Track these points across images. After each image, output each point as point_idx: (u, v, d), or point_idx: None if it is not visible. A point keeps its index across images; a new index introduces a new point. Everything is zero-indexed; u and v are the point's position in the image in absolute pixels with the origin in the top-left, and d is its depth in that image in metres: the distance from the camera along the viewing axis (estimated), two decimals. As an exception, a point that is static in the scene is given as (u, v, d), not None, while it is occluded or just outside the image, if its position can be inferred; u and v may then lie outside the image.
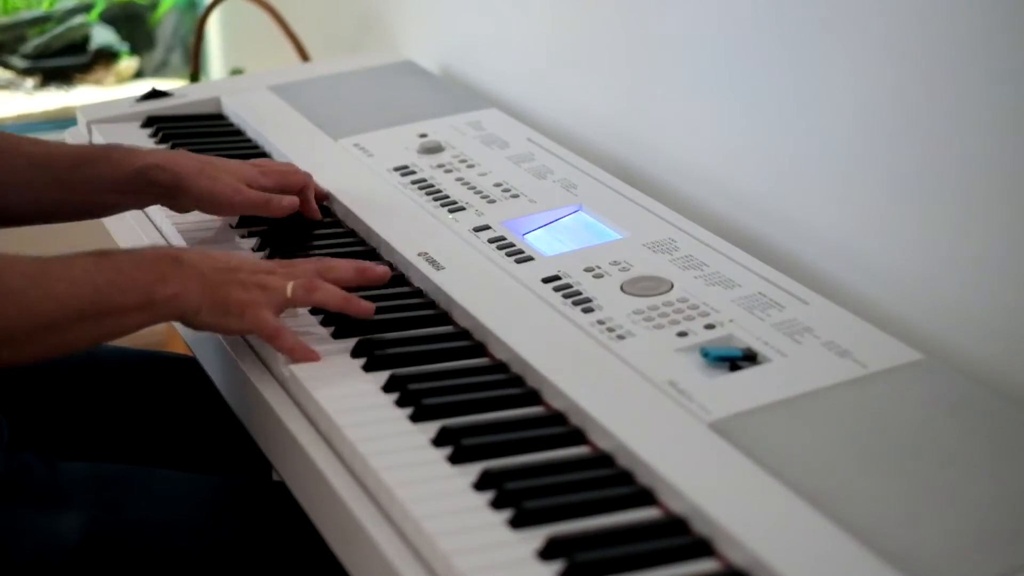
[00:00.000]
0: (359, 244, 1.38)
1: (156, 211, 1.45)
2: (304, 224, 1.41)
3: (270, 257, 1.33)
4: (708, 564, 0.92)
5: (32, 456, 1.17)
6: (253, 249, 1.36)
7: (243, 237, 1.39)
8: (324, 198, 1.46)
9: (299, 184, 1.41)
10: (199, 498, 1.21)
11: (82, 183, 1.33)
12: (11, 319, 1.05)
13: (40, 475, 1.16)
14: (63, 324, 1.08)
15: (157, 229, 1.45)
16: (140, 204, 1.40)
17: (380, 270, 1.25)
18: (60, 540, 1.12)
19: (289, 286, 1.16)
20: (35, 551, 1.11)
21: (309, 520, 1.09)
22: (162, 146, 1.65)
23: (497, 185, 1.46)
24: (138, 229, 1.46)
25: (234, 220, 1.42)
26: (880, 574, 0.88)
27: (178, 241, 1.39)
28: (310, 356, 1.14)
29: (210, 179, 1.34)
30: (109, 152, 1.35)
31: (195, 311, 1.13)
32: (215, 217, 1.41)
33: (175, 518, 1.18)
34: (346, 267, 1.22)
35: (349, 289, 1.20)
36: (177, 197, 1.35)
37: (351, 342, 1.17)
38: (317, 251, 1.35)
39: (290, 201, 1.37)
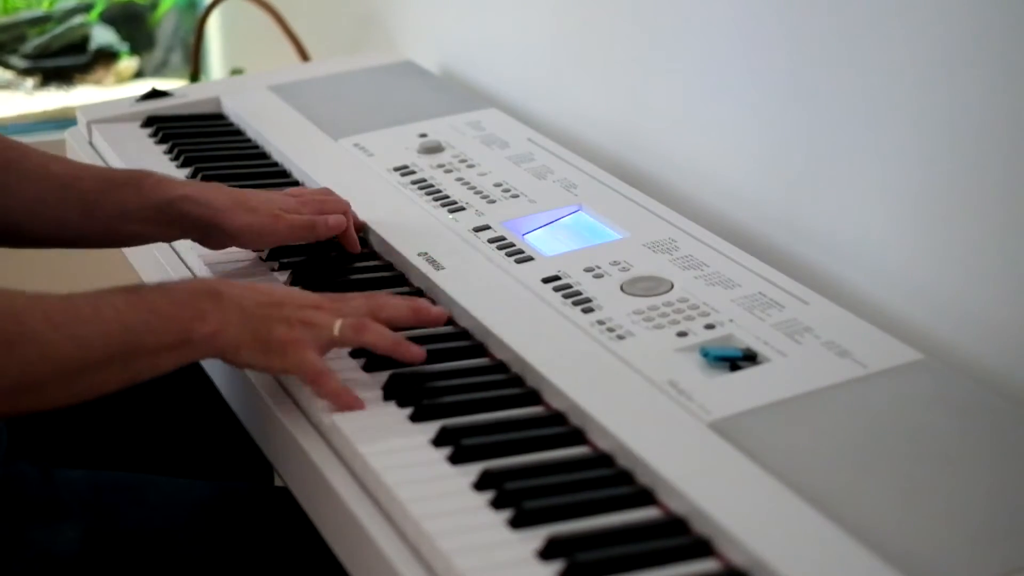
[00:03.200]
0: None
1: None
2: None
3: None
4: (708, 564, 0.92)
5: (28, 465, 1.16)
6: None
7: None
8: (361, 229, 1.37)
9: (338, 212, 1.32)
10: (199, 505, 1.20)
11: (108, 208, 1.27)
12: (32, 364, 0.99)
13: (37, 484, 1.15)
14: (90, 369, 1.02)
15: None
16: (168, 237, 1.32)
17: (436, 311, 1.18)
18: (59, 550, 1.11)
19: (337, 324, 1.10)
20: (34, 562, 1.10)
21: (311, 526, 1.08)
22: (163, 146, 1.65)
23: (497, 185, 1.46)
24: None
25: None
26: (880, 574, 0.88)
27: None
28: (354, 404, 1.08)
29: (249, 211, 1.26)
30: (140, 179, 1.28)
31: (235, 349, 1.07)
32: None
33: (175, 526, 1.17)
34: (400, 306, 1.15)
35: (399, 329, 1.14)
36: (210, 232, 1.28)
37: (351, 342, 1.17)
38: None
39: (336, 220, 1.30)
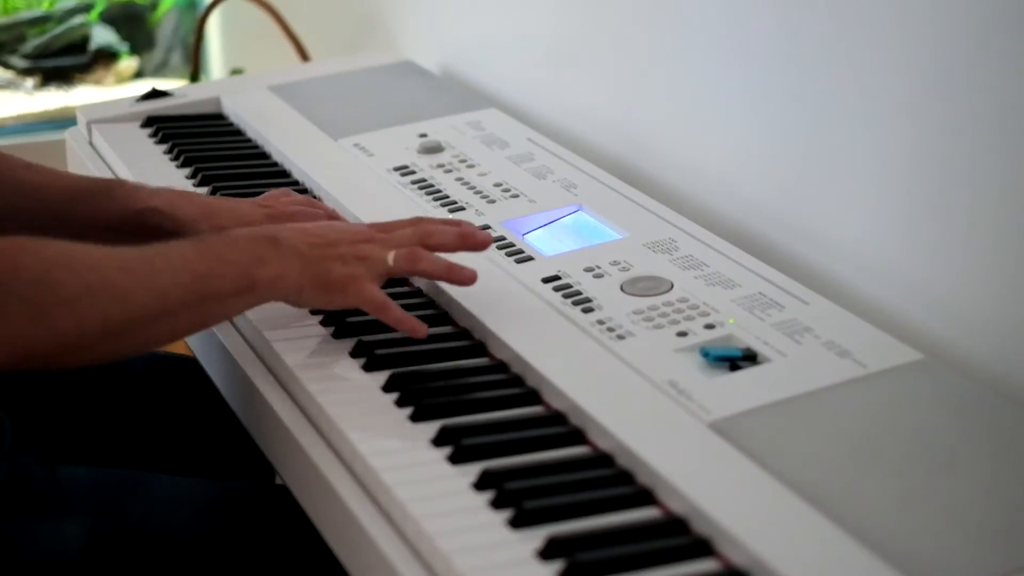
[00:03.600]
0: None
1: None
2: None
3: None
4: (708, 564, 0.92)
5: (32, 461, 1.16)
6: None
7: None
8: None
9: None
10: (201, 503, 1.21)
11: (79, 218, 1.29)
12: (112, 313, 1.03)
13: (41, 481, 1.15)
14: (165, 315, 1.07)
15: None
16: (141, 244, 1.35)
17: (482, 236, 1.22)
18: (62, 547, 1.11)
19: (391, 256, 1.15)
20: (37, 559, 1.10)
21: (311, 524, 1.08)
22: (163, 146, 1.65)
23: (497, 185, 1.46)
24: None
25: None
26: (880, 574, 0.88)
27: None
28: (418, 328, 1.14)
29: (214, 228, 1.27)
30: (111, 189, 1.31)
31: (297, 291, 1.12)
32: None
33: (177, 523, 1.17)
34: (448, 232, 1.20)
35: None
36: None
37: (350, 342, 1.17)
38: None
39: None
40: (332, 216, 1.34)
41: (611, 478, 1.00)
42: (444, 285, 1.24)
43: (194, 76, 2.50)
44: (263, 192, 1.47)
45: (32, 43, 2.85)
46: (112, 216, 1.29)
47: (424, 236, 1.18)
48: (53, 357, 1.04)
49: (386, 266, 1.15)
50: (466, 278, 1.18)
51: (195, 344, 1.31)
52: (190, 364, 1.42)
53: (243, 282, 1.10)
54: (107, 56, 2.88)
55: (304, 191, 1.52)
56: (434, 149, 1.56)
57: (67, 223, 1.29)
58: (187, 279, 1.07)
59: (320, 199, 1.47)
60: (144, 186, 1.33)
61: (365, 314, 1.19)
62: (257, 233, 1.13)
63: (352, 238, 1.15)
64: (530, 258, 1.30)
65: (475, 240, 1.21)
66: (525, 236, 1.35)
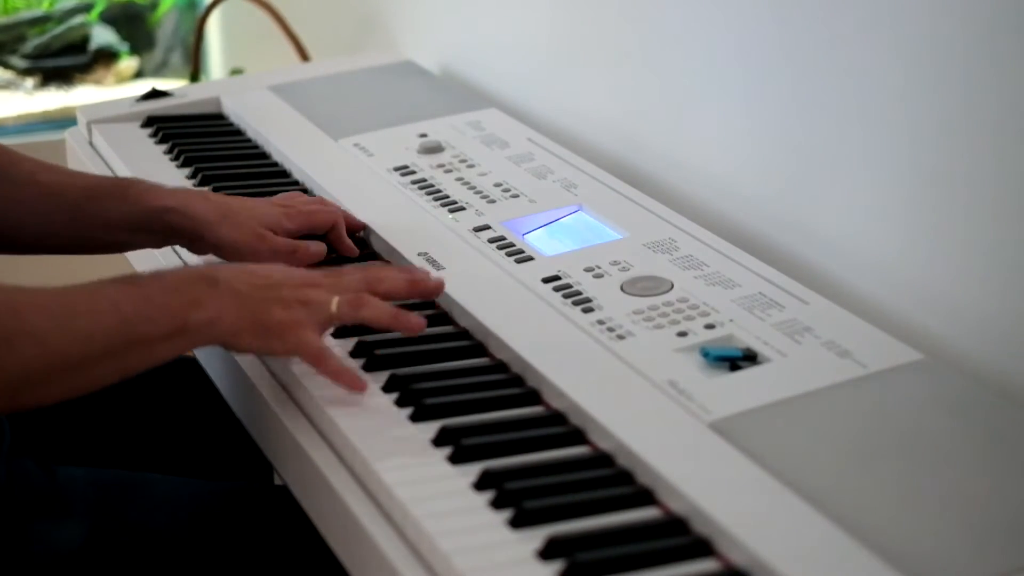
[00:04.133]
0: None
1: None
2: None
3: None
4: (708, 564, 0.92)
5: (32, 462, 1.16)
6: None
7: None
8: (359, 229, 1.38)
9: (327, 224, 1.32)
10: (200, 503, 1.20)
11: (94, 218, 1.28)
12: (31, 360, 0.98)
13: (40, 482, 1.15)
14: (89, 362, 1.01)
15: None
16: (155, 244, 1.33)
17: (433, 283, 1.17)
18: (61, 547, 1.11)
19: (335, 301, 1.09)
20: (37, 558, 1.10)
21: (311, 524, 1.08)
22: (163, 146, 1.65)
23: (497, 185, 1.46)
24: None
25: None
26: (880, 574, 0.88)
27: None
28: (355, 383, 1.08)
29: (232, 227, 1.26)
30: (126, 188, 1.29)
31: (234, 335, 1.06)
32: None
33: (176, 523, 1.17)
34: (397, 279, 1.15)
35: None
36: (195, 242, 1.28)
37: (351, 342, 1.17)
38: None
39: (317, 248, 1.28)
40: (346, 216, 1.34)
41: (611, 478, 1.00)
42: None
43: (194, 76, 2.50)
44: (263, 192, 1.47)
45: (32, 43, 2.85)
46: (128, 215, 1.27)
47: (373, 282, 1.12)
48: None
49: (328, 312, 1.09)
50: (412, 326, 1.11)
51: (195, 344, 1.31)
52: (190, 364, 1.42)
53: (175, 325, 1.03)
54: (107, 56, 2.88)
55: (305, 191, 1.52)
56: (434, 149, 1.56)
57: (83, 222, 1.28)
58: (114, 322, 1.01)
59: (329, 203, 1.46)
60: (160, 185, 1.31)
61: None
62: (193, 273, 1.08)
63: (298, 281, 1.10)
64: (530, 258, 1.30)
65: (426, 287, 1.16)
66: (525, 236, 1.35)
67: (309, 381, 1.11)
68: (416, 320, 1.12)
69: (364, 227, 1.38)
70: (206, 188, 1.52)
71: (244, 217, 1.27)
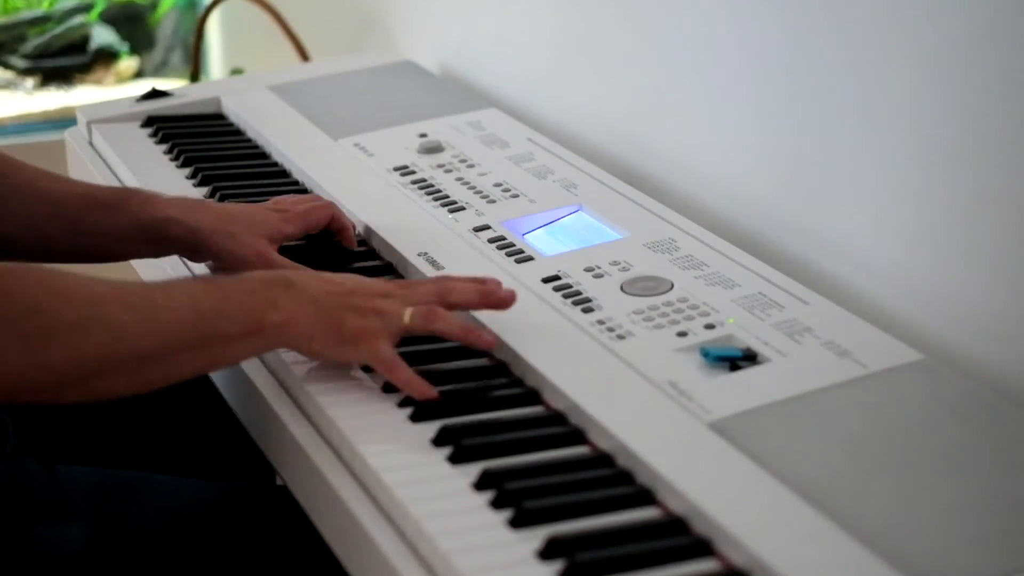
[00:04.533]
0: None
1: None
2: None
3: None
4: (708, 564, 0.92)
5: (34, 463, 1.16)
6: None
7: None
8: (350, 228, 1.38)
9: (324, 221, 1.34)
10: (202, 504, 1.21)
11: (95, 228, 1.28)
12: (107, 349, 1.00)
13: (42, 482, 1.15)
14: (165, 354, 1.02)
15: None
16: (156, 254, 1.34)
17: (505, 293, 1.16)
18: (63, 548, 1.11)
19: (407, 313, 1.10)
20: (38, 560, 1.10)
21: (312, 525, 1.08)
22: (163, 146, 1.65)
23: (497, 185, 1.46)
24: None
25: None
26: (880, 574, 0.88)
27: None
28: (427, 391, 1.08)
29: (229, 237, 1.26)
30: (127, 199, 1.30)
31: (308, 339, 1.07)
32: None
33: (178, 524, 1.17)
34: (468, 290, 1.15)
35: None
36: (196, 253, 1.29)
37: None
38: None
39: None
40: (332, 218, 1.35)
41: (611, 478, 1.00)
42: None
43: (194, 76, 2.50)
44: (263, 192, 1.47)
45: (32, 43, 2.85)
46: (129, 225, 1.28)
47: (444, 294, 1.13)
48: (45, 391, 1.01)
49: (401, 323, 1.09)
50: (485, 342, 1.13)
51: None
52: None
53: (250, 325, 1.05)
54: (107, 56, 2.88)
55: (304, 191, 1.52)
56: (434, 149, 1.56)
57: (84, 231, 1.28)
58: (190, 317, 1.03)
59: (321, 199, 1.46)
60: (160, 195, 1.31)
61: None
62: (271, 276, 1.09)
63: (370, 291, 1.11)
64: (530, 258, 1.30)
65: (497, 298, 1.16)
66: (525, 236, 1.35)
67: (310, 383, 1.11)
68: (487, 336, 1.13)
69: (353, 226, 1.38)
70: (196, 189, 1.52)
71: (241, 226, 1.28)
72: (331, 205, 1.36)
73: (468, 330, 1.12)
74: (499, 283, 1.18)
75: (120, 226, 1.28)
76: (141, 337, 1.01)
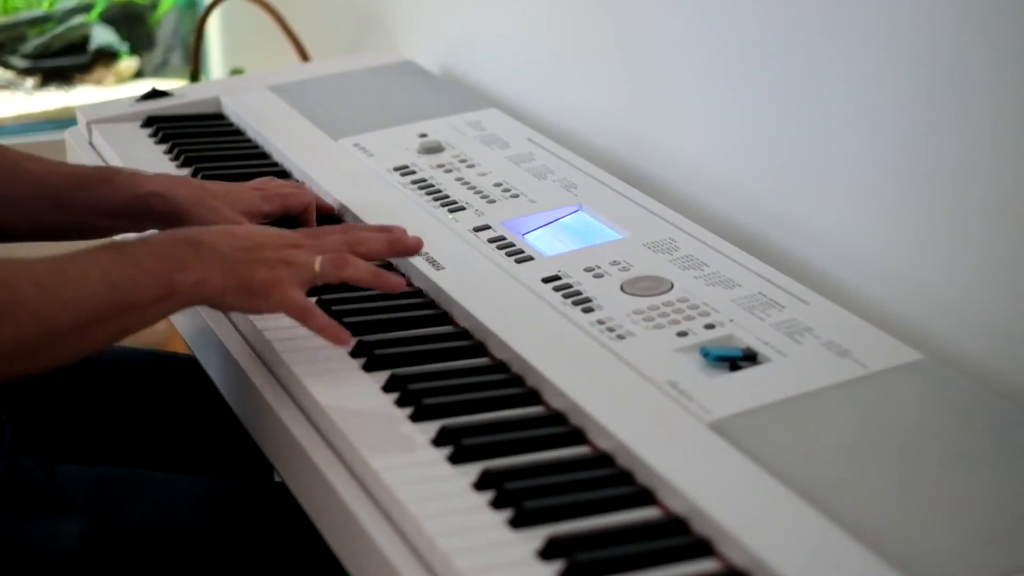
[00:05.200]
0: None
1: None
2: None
3: None
4: (708, 564, 0.92)
5: (31, 460, 1.17)
6: None
7: None
8: (330, 211, 1.43)
9: (301, 206, 1.37)
10: (199, 500, 1.21)
11: (80, 205, 1.31)
12: (25, 329, 1.00)
13: (39, 480, 1.15)
14: (80, 328, 1.04)
15: None
16: (139, 229, 1.35)
17: (412, 241, 1.21)
18: (60, 545, 1.11)
19: (317, 261, 1.13)
20: (36, 557, 1.10)
21: (310, 521, 1.08)
22: (163, 146, 1.65)
23: (497, 185, 1.46)
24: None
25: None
26: (880, 574, 0.88)
27: None
28: (342, 337, 1.11)
29: (209, 210, 1.30)
30: (111, 176, 1.33)
31: (220, 295, 1.09)
32: None
33: (175, 521, 1.17)
34: (377, 239, 1.19)
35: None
36: (177, 226, 1.29)
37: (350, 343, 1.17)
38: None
39: None
40: (320, 203, 1.40)
41: (611, 478, 1.00)
42: (443, 286, 1.24)
43: (194, 76, 2.50)
44: (263, 191, 1.47)
45: (32, 43, 2.85)
46: (113, 202, 1.31)
47: (354, 243, 1.16)
48: None
49: (312, 271, 1.12)
50: (393, 284, 1.15)
51: (193, 342, 1.32)
52: (188, 363, 1.42)
53: (162, 289, 1.07)
54: (107, 56, 2.88)
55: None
56: (434, 149, 1.56)
57: (68, 210, 1.31)
58: (103, 289, 1.04)
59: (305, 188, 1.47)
60: (142, 172, 1.35)
61: (363, 316, 1.19)
62: (178, 236, 1.11)
63: (279, 242, 1.13)
64: (530, 258, 1.30)
65: (404, 245, 1.20)
66: (525, 236, 1.35)
67: (308, 381, 1.11)
68: (396, 279, 1.16)
69: (334, 211, 1.43)
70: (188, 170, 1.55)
71: (221, 201, 1.32)
72: (311, 196, 1.40)
73: (377, 275, 1.15)
74: (404, 231, 1.22)
75: (104, 202, 1.31)
76: (58, 316, 1.02)
